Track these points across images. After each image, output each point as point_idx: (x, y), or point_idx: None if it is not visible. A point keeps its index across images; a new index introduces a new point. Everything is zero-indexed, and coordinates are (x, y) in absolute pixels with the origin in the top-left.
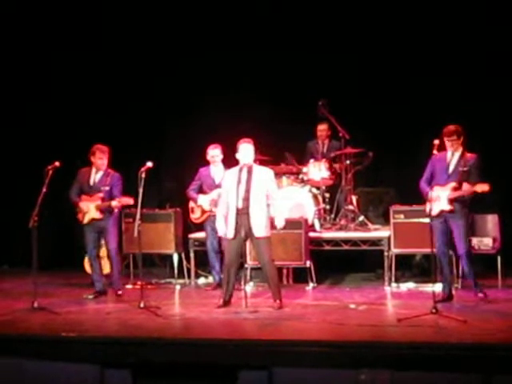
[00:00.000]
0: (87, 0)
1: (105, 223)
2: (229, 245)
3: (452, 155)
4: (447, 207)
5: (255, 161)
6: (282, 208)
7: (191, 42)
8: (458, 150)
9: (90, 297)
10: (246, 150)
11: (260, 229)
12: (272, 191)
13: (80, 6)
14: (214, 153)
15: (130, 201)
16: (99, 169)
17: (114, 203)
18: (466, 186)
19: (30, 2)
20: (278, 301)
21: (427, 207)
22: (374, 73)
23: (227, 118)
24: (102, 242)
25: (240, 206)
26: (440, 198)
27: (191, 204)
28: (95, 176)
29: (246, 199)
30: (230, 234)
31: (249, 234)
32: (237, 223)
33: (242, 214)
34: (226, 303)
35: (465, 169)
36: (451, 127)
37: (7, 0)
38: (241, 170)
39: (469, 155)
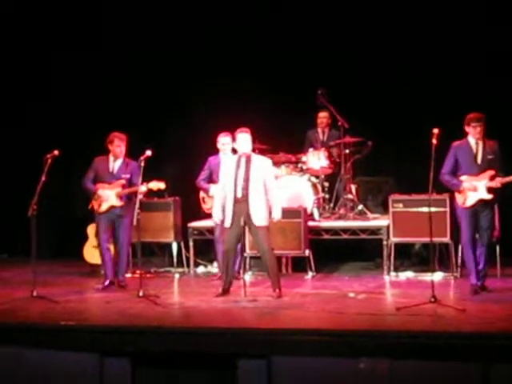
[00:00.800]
0: None
1: (122, 212)
2: (227, 233)
3: (476, 144)
4: (488, 196)
5: (254, 149)
6: (279, 198)
7: (192, 31)
8: (481, 138)
9: (101, 286)
10: (243, 140)
11: (259, 218)
12: (269, 180)
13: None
14: (225, 140)
15: (159, 184)
16: (117, 157)
17: (142, 188)
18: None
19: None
20: (277, 290)
21: (460, 199)
22: (373, 62)
23: (227, 107)
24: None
25: (239, 195)
26: (477, 188)
27: (202, 194)
28: (113, 164)
29: (245, 188)
30: (227, 223)
31: (248, 222)
32: (234, 212)
33: (241, 202)
34: (225, 292)
35: (492, 156)
36: (478, 113)
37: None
38: (239, 159)
39: (490, 142)
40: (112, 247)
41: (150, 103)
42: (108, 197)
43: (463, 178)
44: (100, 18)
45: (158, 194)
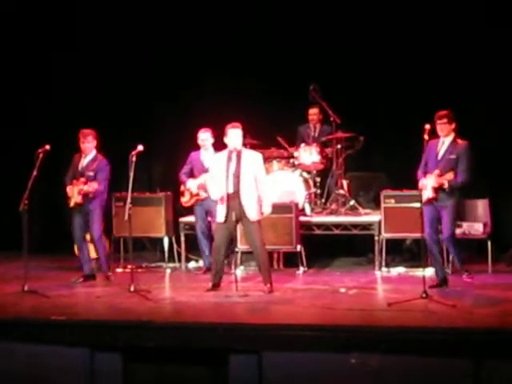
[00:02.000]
0: None
1: (90, 207)
2: (218, 229)
3: (442, 142)
4: (431, 195)
5: (245, 145)
6: (269, 193)
7: (184, 27)
8: (449, 136)
9: (79, 280)
10: (233, 135)
11: (252, 212)
12: (259, 175)
13: None
14: (204, 136)
15: (95, 185)
16: (85, 153)
17: (85, 187)
18: (449, 175)
19: None
20: (268, 285)
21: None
22: (365, 57)
23: (218, 101)
24: None
25: (230, 190)
26: (426, 186)
27: (182, 187)
28: (83, 161)
29: (237, 184)
30: (221, 218)
31: (241, 217)
32: (228, 208)
33: (233, 198)
34: (215, 286)
35: (452, 156)
36: (442, 111)
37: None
38: (230, 155)
39: (460, 142)
40: (86, 241)
41: (141, 99)
42: (73, 193)
43: (428, 175)
44: (90, 18)
45: (150, 189)
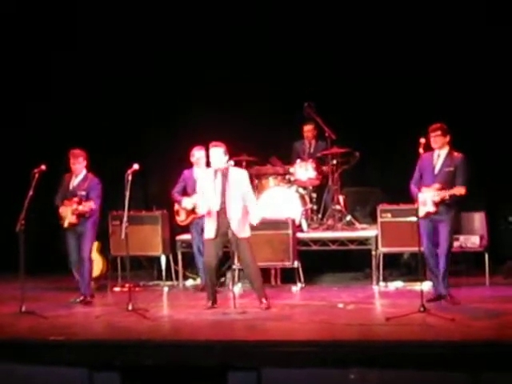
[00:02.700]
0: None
1: (82, 228)
2: (208, 245)
3: (438, 155)
4: (432, 209)
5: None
6: (257, 208)
7: (177, 42)
8: (444, 149)
9: (77, 300)
10: (215, 155)
11: (240, 230)
12: (246, 193)
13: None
14: (199, 154)
15: (91, 205)
16: (75, 173)
17: (80, 207)
18: (459, 190)
19: None
20: (264, 300)
21: (417, 209)
22: (359, 73)
23: (213, 119)
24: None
25: (218, 208)
26: (426, 200)
27: (176, 206)
28: (74, 181)
29: (223, 202)
30: (211, 235)
31: (229, 234)
32: (215, 226)
33: (221, 215)
34: (214, 303)
35: (450, 169)
36: (436, 124)
37: None
38: (215, 174)
39: (455, 155)
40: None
41: (135, 117)
42: (66, 214)
43: (423, 188)
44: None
45: (146, 207)
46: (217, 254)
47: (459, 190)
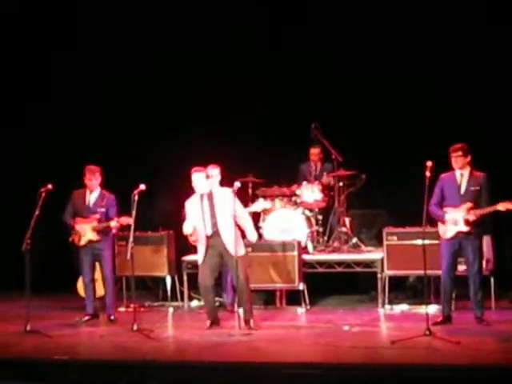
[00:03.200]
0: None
1: (101, 245)
2: (202, 267)
3: (461, 175)
4: (465, 228)
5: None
6: (251, 221)
7: (182, 62)
8: (466, 169)
9: (83, 320)
10: (196, 180)
11: (233, 249)
12: (237, 209)
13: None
14: (213, 173)
15: (129, 220)
16: (90, 189)
17: (112, 223)
18: (503, 205)
19: None
20: (251, 321)
21: (441, 229)
22: (367, 96)
23: (220, 140)
24: (97, 264)
25: (209, 232)
26: (457, 220)
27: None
28: (90, 197)
29: (215, 225)
30: (200, 260)
31: (224, 254)
32: (207, 249)
33: (214, 237)
34: (214, 323)
35: (476, 188)
36: (457, 144)
37: None
38: (201, 198)
39: (478, 174)
40: (94, 280)
41: (144, 137)
42: (85, 231)
43: (447, 209)
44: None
45: (151, 227)
46: (212, 275)
47: (506, 206)
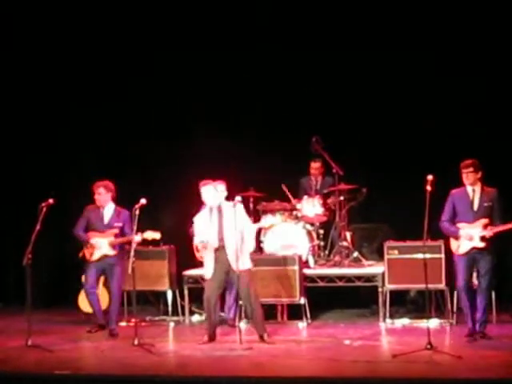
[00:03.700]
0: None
1: (113, 261)
2: (208, 282)
3: (473, 191)
4: (480, 244)
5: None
6: (253, 235)
7: (183, 70)
8: (477, 185)
9: (93, 331)
10: (206, 193)
11: (239, 263)
12: (246, 224)
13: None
14: (220, 188)
15: (155, 235)
16: (100, 205)
17: (136, 238)
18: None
19: None
20: (265, 335)
21: (454, 245)
22: (368, 109)
23: (220, 155)
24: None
25: (215, 245)
26: (472, 236)
27: (195, 242)
28: (104, 213)
29: (221, 239)
30: (208, 274)
31: (228, 269)
32: (215, 264)
33: (219, 251)
34: (211, 338)
35: (490, 204)
36: (468, 160)
37: None
38: (211, 211)
39: (489, 190)
40: (99, 293)
41: (145, 151)
42: (101, 245)
43: (460, 225)
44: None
45: (153, 242)
46: (217, 291)
47: None
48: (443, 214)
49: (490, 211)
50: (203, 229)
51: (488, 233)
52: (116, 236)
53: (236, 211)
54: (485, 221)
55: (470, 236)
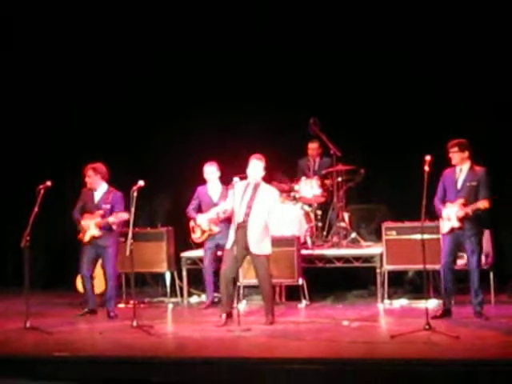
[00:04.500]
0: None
1: (105, 242)
2: (226, 256)
3: (460, 170)
4: (457, 224)
5: (243, 178)
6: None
7: (182, 55)
8: (465, 164)
9: (81, 314)
10: (252, 166)
11: (257, 246)
12: (272, 211)
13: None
14: (210, 170)
15: (124, 215)
16: (91, 187)
17: (110, 219)
18: (483, 203)
19: None
20: (269, 316)
21: (440, 224)
22: (365, 90)
23: (218, 134)
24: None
25: (240, 219)
26: (450, 216)
27: (191, 223)
28: (96, 194)
29: (247, 215)
30: (228, 245)
31: (247, 249)
32: (236, 235)
33: (242, 228)
34: (229, 316)
35: (473, 183)
36: (454, 140)
37: None
38: (247, 186)
39: (477, 169)
40: (95, 276)
41: (141, 135)
42: (88, 227)
43: (447, 204)
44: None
45: (150, 224)
46: (235, 267)
47: (483, 204)
48: (436, 193)
49: (474, 191)
50: (235, 200)
51: (460, 212)
52: (103, 217)
53: (271, 196)
54: (461, 200)
55: (448, 215)
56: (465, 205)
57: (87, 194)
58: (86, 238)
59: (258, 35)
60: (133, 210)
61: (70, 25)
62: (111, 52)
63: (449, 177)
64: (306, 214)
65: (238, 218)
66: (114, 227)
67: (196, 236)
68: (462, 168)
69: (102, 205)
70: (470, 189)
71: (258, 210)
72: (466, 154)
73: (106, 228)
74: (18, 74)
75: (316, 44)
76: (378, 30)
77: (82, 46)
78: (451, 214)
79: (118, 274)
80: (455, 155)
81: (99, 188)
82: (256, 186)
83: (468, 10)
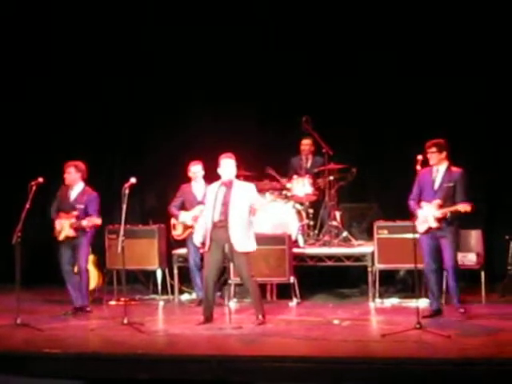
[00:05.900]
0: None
1: (78, 241)
2: (207, 257)
3: (437, 170)
4: (434, 225)
5: (238, 176)
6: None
7: (174, 52)
8: (442, 165)
9: (69, 313)
10: (225, 165)
11: (239, 244)
12: (257, 203)
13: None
14: (195, 169)
15: (97, 221)
16: (69, 184)
17: (84, 222)
18: (463, 207)
19: None
20: (260, 316)
21: (416, 224)
22: (358, 88)
23: (210, 134)
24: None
25: (215, 219)
26: (427, 216)
27: (173, 221)
28: (71, 193)
29: (224, 213)
30: (206, 247)
31: (229, 248)
32: (212, 236)
33: (220, 227)
34: (208, 319)
35: (450, 184)
36: (432, 140)
37: None
38: (221, 185)
39: (454, 170)
40: (73, 271)
41: (133, 131)
42: (63, 227)
43: (423, 204)
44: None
45: (143, 221)
46: (216, 267)
47: (464, 207)
48: (411, 192)
49: (451, 191)
50: (208, 203)
51: (437, 213)
52: (77, 218)
53: (248, 190)
54: (438, 201)
55: (424, 216)
56: (441, 206)
57: (63, 190)
58: (61, 238)
59: (250, 33)
60: (124, 207)
61: (67, 24)
62: (101, 52)
63: (425, 176)
64: (298, 213)
65: (214, 218)
66: (87, 229)
67: (177, 233)
68: (438, 168)
69: (75, 204)
70: (447, 190)
71: (237, 207)
72: (444, 154)
73: (80, 229)
74: (13, 72)
75: (308, 43)
76: (370, 31)
77: (80, 46)
78: (428, 215)
79: (87, 271)
80: (433, 155)
81: (76, 186)
82: (229, 185)
83: (462, 8)
